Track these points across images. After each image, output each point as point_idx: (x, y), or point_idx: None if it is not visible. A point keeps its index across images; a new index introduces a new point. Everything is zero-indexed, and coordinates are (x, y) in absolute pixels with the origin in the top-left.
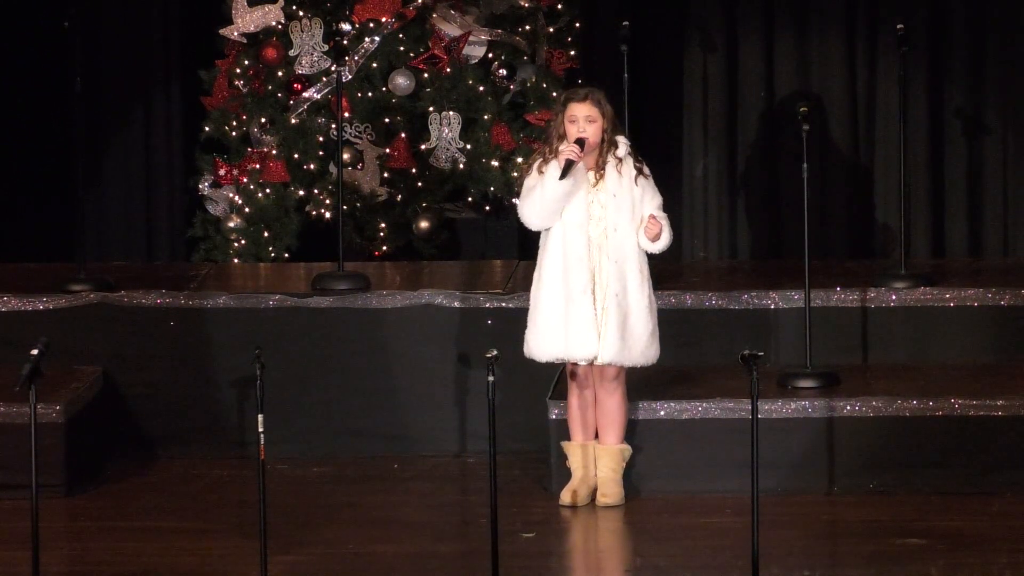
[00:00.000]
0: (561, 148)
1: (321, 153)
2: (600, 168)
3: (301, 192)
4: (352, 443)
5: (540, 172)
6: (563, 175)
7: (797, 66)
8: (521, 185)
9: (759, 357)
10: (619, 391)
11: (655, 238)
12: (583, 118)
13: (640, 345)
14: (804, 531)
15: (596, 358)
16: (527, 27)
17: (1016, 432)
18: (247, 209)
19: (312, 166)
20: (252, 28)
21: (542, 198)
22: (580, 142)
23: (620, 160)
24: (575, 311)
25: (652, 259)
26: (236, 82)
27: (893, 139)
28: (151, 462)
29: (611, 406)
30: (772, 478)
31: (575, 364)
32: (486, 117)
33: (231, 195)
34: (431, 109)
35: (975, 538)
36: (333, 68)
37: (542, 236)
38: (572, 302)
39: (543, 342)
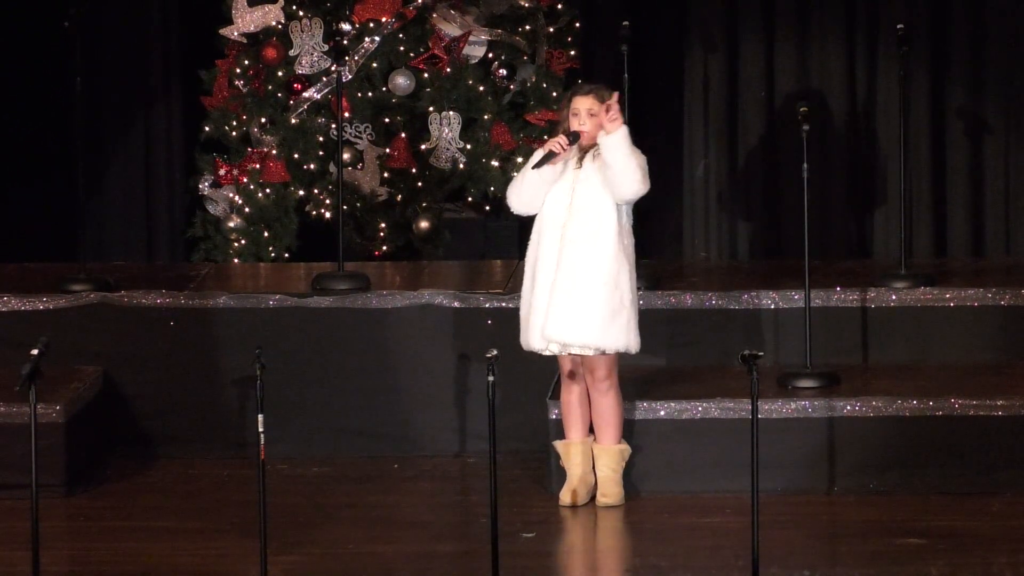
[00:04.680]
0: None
1: (321, 153)
2: (579, 164)
3: (301, 192)
4: (352, 443)
5: None
6: (538, 165)
7: (797, 66)
8: None
9: (759, 357)
10: (612, 392)
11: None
12: (584, 111)
13: (596, 324)
14: (804, 531)
15: (550, 344)
16: (527, 27)
17: (1016, 432)
18: (247, 209)
19: (312, 166)
20: (252, 28)
21: (519, 180)
22: (575, 136)
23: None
24: (538, 297)
25: (652, 259)
26: (236, 82)
27: (894, 139)
28: (151, 462)
29: (604, 407)
30: (772, 478)
31: (567, 360)
32: (486, 117)
33: (231, 195)
34: (431, 109)
35: (975, 538)
36: (333, 68)
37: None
38: (537, 287)
39: (522, 332)
